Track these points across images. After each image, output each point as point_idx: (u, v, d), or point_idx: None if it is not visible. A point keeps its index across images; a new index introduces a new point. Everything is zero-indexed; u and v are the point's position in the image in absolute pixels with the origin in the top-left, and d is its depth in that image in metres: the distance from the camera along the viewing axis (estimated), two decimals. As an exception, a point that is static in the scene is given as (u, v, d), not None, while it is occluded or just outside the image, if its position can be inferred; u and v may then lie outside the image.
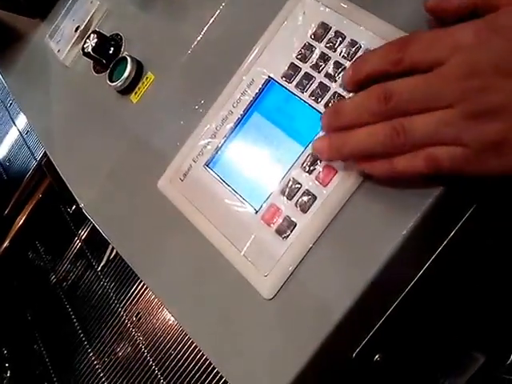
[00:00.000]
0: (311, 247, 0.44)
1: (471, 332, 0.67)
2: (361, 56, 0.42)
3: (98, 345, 1.47)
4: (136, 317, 1.39)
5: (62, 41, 0.70)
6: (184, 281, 0.49)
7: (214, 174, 0.50)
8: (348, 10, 0.48)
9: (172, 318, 1.38)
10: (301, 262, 0.44)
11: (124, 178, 0.56)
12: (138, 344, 1.37)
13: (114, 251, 1.36)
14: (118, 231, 0.54)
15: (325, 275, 0.43)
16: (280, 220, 0.46)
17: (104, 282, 1.41)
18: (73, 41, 0.68)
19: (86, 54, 0.62)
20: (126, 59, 0.58)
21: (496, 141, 0.35)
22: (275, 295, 0.45)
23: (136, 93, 0.58)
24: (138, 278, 1.41)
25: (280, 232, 0.46)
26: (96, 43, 0.61)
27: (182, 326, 0.47)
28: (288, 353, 0.43)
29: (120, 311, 1.39)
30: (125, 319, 1.39)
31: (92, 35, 0.62)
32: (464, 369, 0.69)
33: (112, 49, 0.62)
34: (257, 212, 0.47)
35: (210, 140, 0.51)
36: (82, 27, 0.68)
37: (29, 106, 0.74)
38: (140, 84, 0.58)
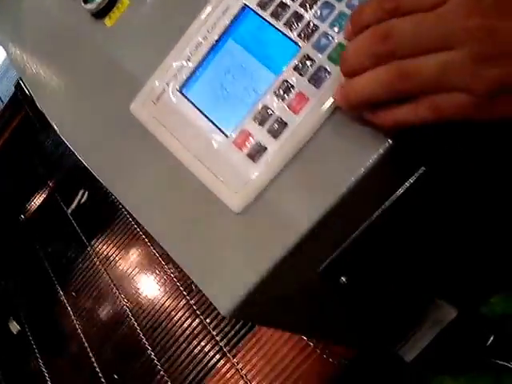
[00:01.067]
0: (281, 170, 0.46)
1: (439, 277, 0.70)
2: (357, 8, 0.39)
3: (69, 285, 1.48)
4: (106, 257, 1.40)
5: (33, -38, 0.68)
6: (155, 195, 0.50)
7: (187, 98, 0.51)
8: None
9: (137, 257, 1.40)
10: (270, 182, 0.46)
11: (98, 100, 0.56)
12: (109, 284, 1.39)
13: (86, 196, 1.35)
14: (92, 152, 0.55)
15: (292, 195, 0.45)
16: (251, 145, 0.47)
17: (75, 226, 1.41)
18: (45, -38, 0.66)
19: (60, -25, 0.60)
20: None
21: (501, 88, 0.33)
22: (244, 210, 0.46)
23: (110, 16, 0.57)
24: (108, 221, 1.42)
25: (251, 156, 0.47)
26: (70, -36, 0.60)
27: (153, 234, 0.49)
28: (254, 260, 0.45)
29: (91, 252, 1.40)
30: (95, 259, 1.40)
31: (66, -44, 0.60)
32: (434, 321, 0.72)
33: (86, -29, 0.61)
34: (228, 137, 0.49)
35: (183, 64, 0.52)
36: None
37: (3, 34, 0.72)
38: (115, 8, 0.57)
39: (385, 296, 0.62)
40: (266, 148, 0.47)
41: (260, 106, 0.48)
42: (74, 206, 1.39)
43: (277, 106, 0.47)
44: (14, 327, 1.61)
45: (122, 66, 0.55)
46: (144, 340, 1.33)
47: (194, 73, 0.51)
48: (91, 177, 0.54)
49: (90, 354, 1.43)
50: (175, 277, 1.32)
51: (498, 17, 0.32)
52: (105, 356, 1.44)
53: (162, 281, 1.35)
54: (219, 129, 0.49)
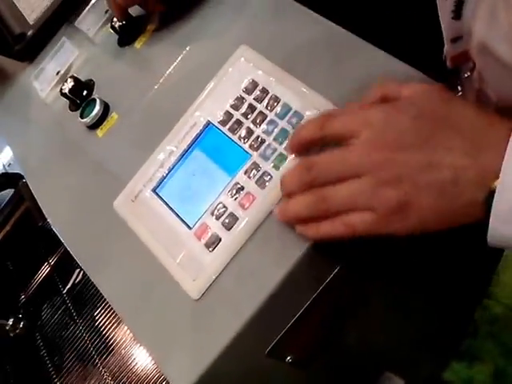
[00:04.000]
0: (232, 258, 0.55)
1: (384, 352, 0.76)
2: (298, 126, 0.52)
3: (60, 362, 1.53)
4: (94, 333, 1.45)
5: (44, 82, 0.82)
6: (128, 284, 0.59)
7: (159, 197, 0.61)
8: (274, 71, 0.60)
9: (129, 334, 1.44)
10: (223, 270, 0.55)
11: (87, 198, 0.67)
12: (95, 360, 1.44)
13: (80, 275, 1.43)
14: (79, 242, 0.64)
15: (240, 281, 0.54)
16: (208, 236, 0.57)
17: (69, 304, 1.49)
18: (54, 83, 0.80)
19: (63, 95, 0.73)
20: (96, 100, 0.70)
21: (397, 206, 0.40)
22: (201, 296, 0.55)
23: (101, 129, 0.69)
24: (100, 300, 1.48)
25: (208, 245, 0.56)
26: (72, 86, 0.72)
27: (123, 318, 0.57)
28: (207, 344, 0.53)
29: (83, 332, 1.46)
30: (85, 337, 1.46)
31: (69, 79, 0.73)
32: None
33: (85, 91, 0.74)
34: (190, 229, 0.58)
35: (158, 169, 0.62)
36: (62, 72, 0.79)
37: (12, 137, 0.84)
38: (105, 122, 0.69)
39: (333, 369, 0.68)
40: (220, 239, 0.56)
41: (217, 203, 0.58)
42: (69, 285, 1.46)
43: (230, 203, 0.57)
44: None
45: (109, 170, 0.66)
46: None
47: (165, 176, 0.62)
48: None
49: None
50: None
51: (394, 150, 0.41)
52: None
53: (143, 360, 1.38)
54: (184, 222, 0.59)
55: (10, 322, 0.85)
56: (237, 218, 0.56)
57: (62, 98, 0.75)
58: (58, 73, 0.80)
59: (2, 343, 1.33)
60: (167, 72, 0.68)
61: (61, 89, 0.74)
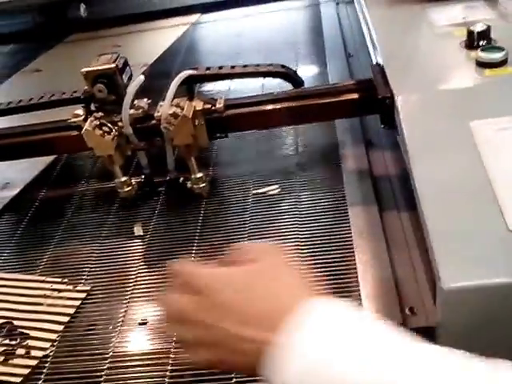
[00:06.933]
0: None
1: None
2: None
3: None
4: None
5: (443, 15, 0.89)
6: (446, 183, 0.61)
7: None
8: None
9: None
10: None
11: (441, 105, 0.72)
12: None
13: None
14: (417, 122, 0.70)
15: None
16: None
17: None
18: (455, 22, 0.87)
19: (470, 33, 0.79)
20: (498, 48, 0.75)
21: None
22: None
23: (491, 71, 0.74)
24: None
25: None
26: (482, 30, 0.78)
27: (422, 205, 0.59)
28: (495, 270, 0.51)
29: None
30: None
31: (479, 24, 0.79)
32: None
33: (485, 40, 0.79)
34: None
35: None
36: (468, 20, 0.86)
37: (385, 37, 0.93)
38: (500, 68, 0.74)
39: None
40: None
41: None
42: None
43: None
44: None
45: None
46: None
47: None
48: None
49: None
50: None
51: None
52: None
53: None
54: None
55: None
56: None
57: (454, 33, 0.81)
58: (463, 18, 0.87)
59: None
60: None
61: (468, 28, 0.80)
